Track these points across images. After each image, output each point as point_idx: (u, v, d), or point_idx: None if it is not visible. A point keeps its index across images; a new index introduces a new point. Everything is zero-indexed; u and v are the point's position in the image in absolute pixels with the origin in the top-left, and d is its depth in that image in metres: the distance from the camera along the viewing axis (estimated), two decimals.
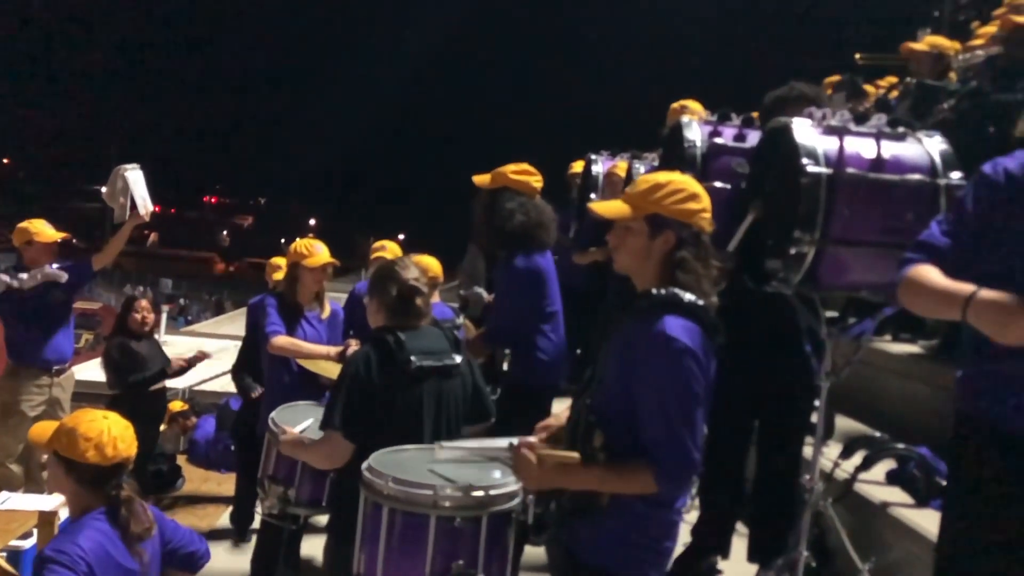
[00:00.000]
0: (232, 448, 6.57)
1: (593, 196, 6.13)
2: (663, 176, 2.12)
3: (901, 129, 2.77)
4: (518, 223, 3.84)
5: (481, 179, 4.03)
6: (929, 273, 1.89)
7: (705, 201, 2.10)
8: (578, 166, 6.96)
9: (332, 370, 3.77)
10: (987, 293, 1.69)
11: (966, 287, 1.75)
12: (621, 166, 5.75)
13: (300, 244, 4.24)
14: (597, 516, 2.03)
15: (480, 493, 2.29)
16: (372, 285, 2.94)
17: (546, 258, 3.97)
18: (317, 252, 4.18)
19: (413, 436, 2.68)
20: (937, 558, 2.05)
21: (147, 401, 5.55)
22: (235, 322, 14.93)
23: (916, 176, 2.63)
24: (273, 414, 3.32)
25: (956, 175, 2.63)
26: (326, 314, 4.33)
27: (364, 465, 2.43)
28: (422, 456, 2.54)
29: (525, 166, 4.02)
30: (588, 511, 2.04)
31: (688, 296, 2.00)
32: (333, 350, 3.97)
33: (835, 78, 7.21)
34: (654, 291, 2.04)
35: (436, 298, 4.54)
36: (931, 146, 2.72)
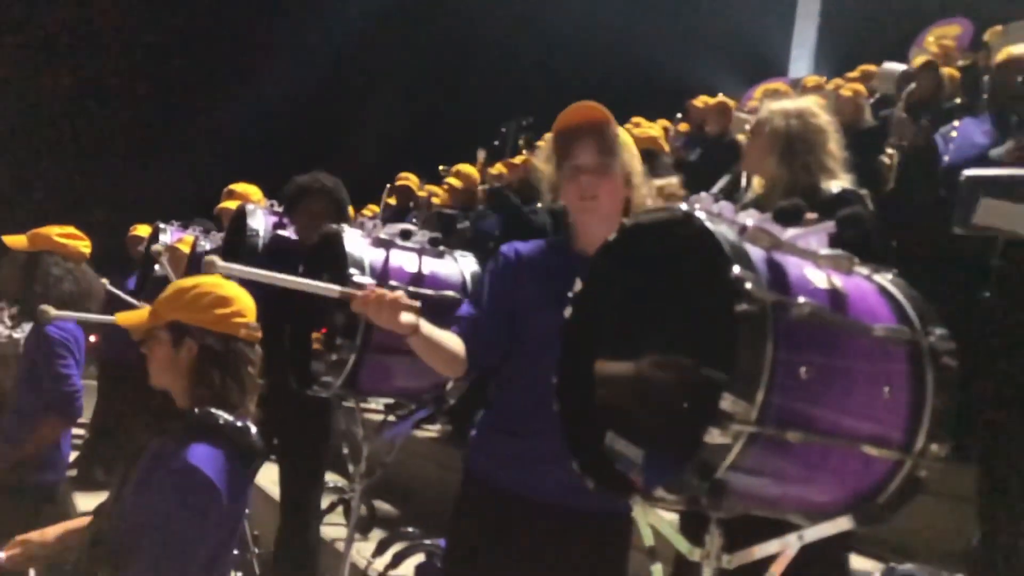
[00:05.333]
0: None
1: (157, 268, 5.73)
2: (191, 281, 1.99)
3: (441, 248, 3.05)
4: (66, 291, 3.47)
5: (15, 240, 3.60)
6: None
7: (239, 304, 1.96)
8: (142, 230, 6.47)
9: None
10: None
11: None
12: (187, 240, 5.45)
13: None
14: None
15: None
16: None
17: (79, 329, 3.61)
18: None
19: None
20: None
21: None
22: None
23: (450, 292, 2.90)
24: None
25: None
26: None
27: None
28: None
29: (71, 229, 3.70)
30: None
31: (226, 418, 1.86)
32: None
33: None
34: (189, 411, 1.88)
35: None
36: (464, 265, 3.05)
